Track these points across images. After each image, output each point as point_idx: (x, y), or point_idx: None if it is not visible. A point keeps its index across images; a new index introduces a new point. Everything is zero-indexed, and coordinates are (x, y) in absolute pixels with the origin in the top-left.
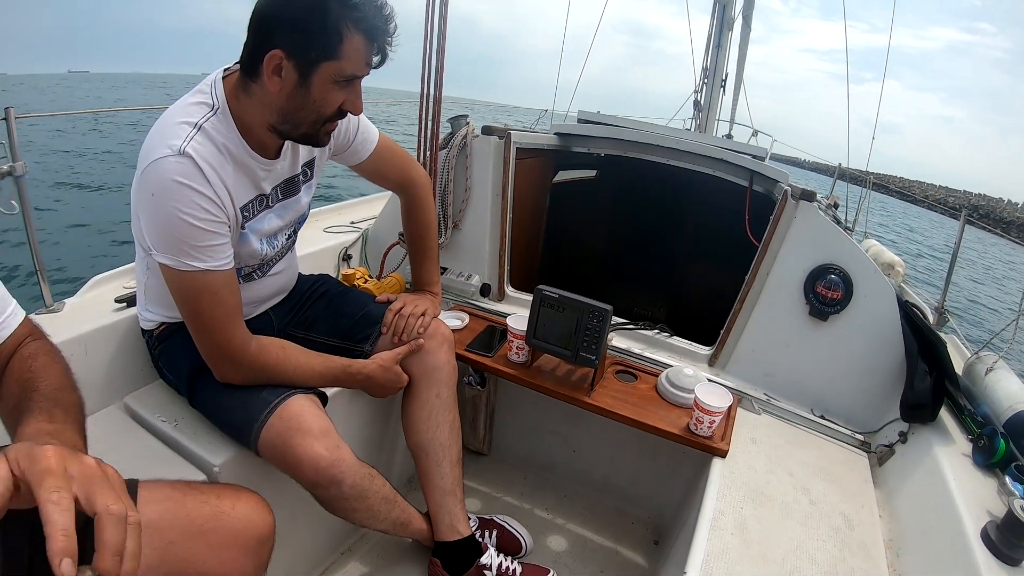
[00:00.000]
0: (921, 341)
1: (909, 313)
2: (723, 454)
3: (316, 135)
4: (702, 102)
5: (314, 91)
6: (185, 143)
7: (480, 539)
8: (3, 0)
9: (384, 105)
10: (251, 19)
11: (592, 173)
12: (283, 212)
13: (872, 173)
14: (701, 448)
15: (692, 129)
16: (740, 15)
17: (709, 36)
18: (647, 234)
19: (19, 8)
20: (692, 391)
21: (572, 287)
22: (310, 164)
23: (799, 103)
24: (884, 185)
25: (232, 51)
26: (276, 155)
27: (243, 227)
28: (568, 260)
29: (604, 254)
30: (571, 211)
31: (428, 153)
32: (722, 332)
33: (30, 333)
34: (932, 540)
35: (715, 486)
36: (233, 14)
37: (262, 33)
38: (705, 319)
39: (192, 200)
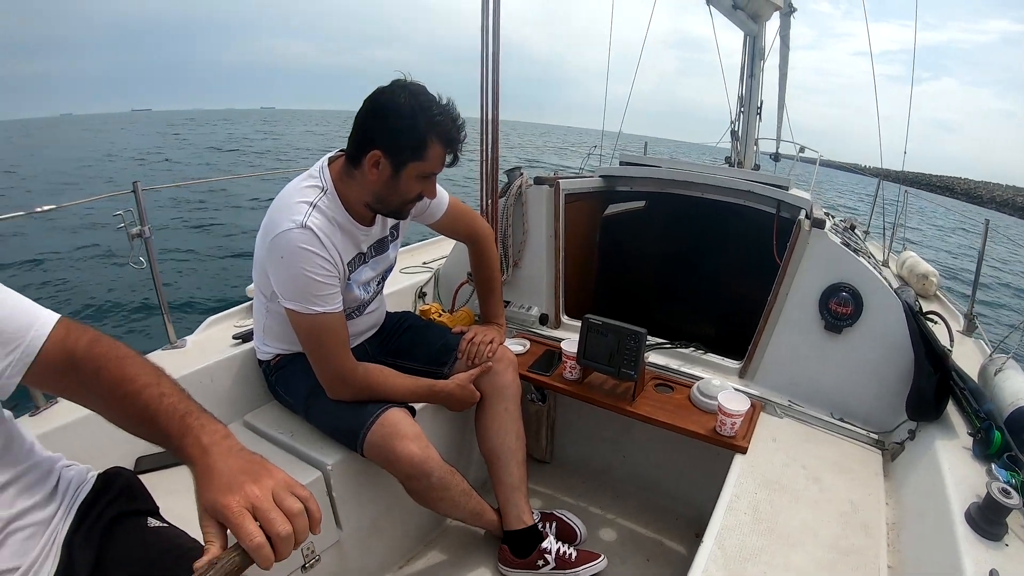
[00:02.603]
0: (927, 347)
1: (918, 322)
2: (743, 450)
3: (400, 212)
4: (739, 132)
5: (402, 183)
6: (305, 218)
7: (542, 529)
8: (68, 43)
9: None
10: (359, 120)
11: (640, 204)
12: (376, 265)
13: (935, 176)
14: (725, 446)
15: (732, 155)
16: (778, 34)
17: (742, 67)
18: (693, 257)
19: (83, 50)
20: (717, 398)
21: (625, 310)
22: (396, 227)
23: (855, 108)
24: (949, 187)
25: (287, 85)
26: (371, 223)
27: (348, 279)
28: (621, 285)
29: (654, 278)
30: (622, 240)
31: (489, 202)
32: (749, 347)
33: (71, 333)
34: (926, 521)
35: (734, 475)
36: (288, 49)
37: (368, 135)
38: (748, 334)
39: (314, 261)
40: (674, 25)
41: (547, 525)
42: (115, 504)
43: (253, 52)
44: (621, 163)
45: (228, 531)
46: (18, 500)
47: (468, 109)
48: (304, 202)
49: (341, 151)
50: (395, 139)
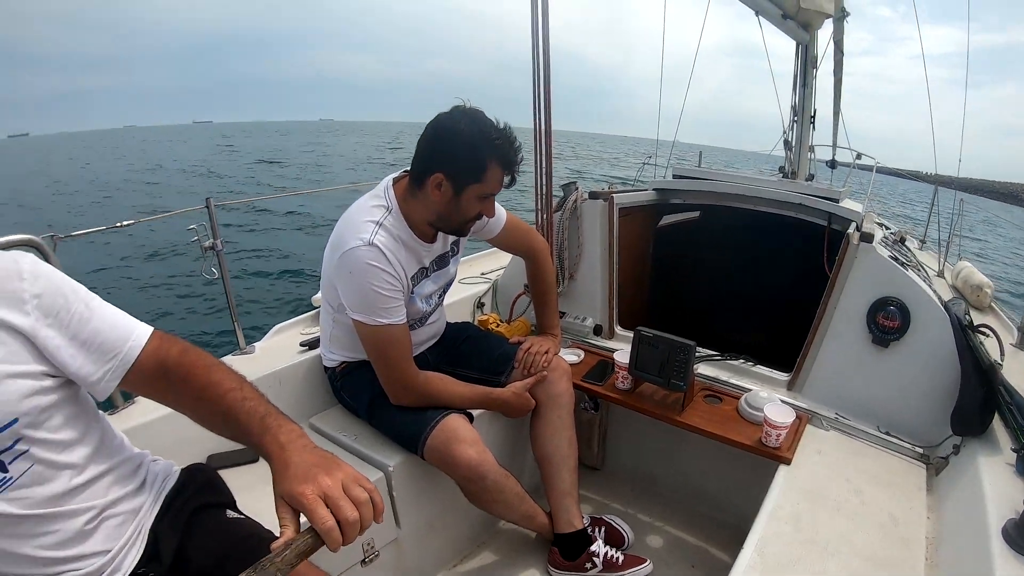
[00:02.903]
0: (974, 361)
1: (965, 335)
2: (787, 461)
3: (461, 230)
4: (792, 141)
5: (463, 203)
6: (372, 236)
7: (591, 532)
8: (135, 58)
9: None
10: (422, 144)
11: (695, 214)
12: (437, 279)
13: (998, 182)
14: (769, 457)
15: (786, 165)
16: (831, 40)
17: (794, 76)
18: (747, 268)
19: (149, 64)
20: (763, 410)
21: (678, 320)
22: (457, 243)
23: (917, 113)
24: (1015, 195)
25: (346, 96)
26: (433, 240)
27: (412, 292)
28: (675, 295)
29: (708, 288)
30: (677, 250)
31: (544, 216)
32: (798, 359)
33: (162, 343)
34: (963, 536)
35: (778, 486)
36: (347, 61)
37: (431, 158)
38: (799, 347)
39: (380, 276)
40: (731, 32)
41: (596, 529)
42: (197, 496)
43: (314, 65)
44: (674, 176)
45: (301, 517)
46: (111, 490)
47: (521, 118)
48: (371, 221)
49: (405, 172)
50: (456, 163)
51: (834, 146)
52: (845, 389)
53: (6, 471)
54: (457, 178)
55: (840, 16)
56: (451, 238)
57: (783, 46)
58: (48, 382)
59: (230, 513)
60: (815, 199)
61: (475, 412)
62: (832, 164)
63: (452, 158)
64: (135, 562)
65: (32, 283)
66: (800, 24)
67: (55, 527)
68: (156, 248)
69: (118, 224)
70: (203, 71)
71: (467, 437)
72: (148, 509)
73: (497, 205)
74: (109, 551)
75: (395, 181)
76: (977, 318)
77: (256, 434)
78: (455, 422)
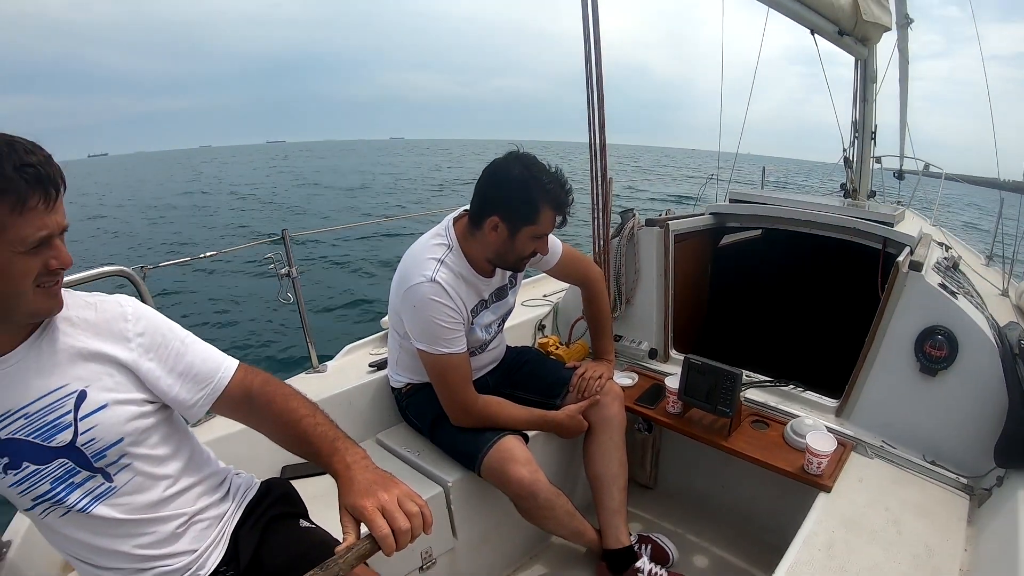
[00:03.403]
0: (1021, 391)
1: (1016, 363)
2: (828, 489)
3: (517, 267)
4: (852, 158)
5: (518, 243)
6: (434, 274)
7: (637, 550)
8: (212, 79)
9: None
10: (479, 187)
11: (758, 232)
12: (497, 310)
13: None
14: (811, 483)
15: (847, 183)
16: (895, 49)
17: (854, 92)
18: (804, 291)
19: (226, 86)
20: (806, 437)
21: (734, 342)
22: (514, 276)
23: (989, 117)
24: None
25: (417, 115)
26: (491, 275)
27: (472, 323)
28: (732, 317)
29: (766, 310)
30: (737, 271)
31: (602, 243)
32: (847, 387)
33: (247, 375)
34: (995, 571)
35: (816, 513)
36: (415, 80)
37: (487, 202)
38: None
39: (442, 311)
40: (796, 41)
41: (643, 547)
42: (275, 507)
43: (385, 85)
44: (730, 200)
45: (361, 526)
46: (200, 499)
47: (580, 133)
48: (433, 258)
49: (464, 210)
50: (511, 206)
51: (901, 156)
52: (892, 417)
53: (112, 481)
54: (512, 221)
55: (904, 23)
56: (508, 272)
57: (846, 55)
58: (148, 407)
59: (303, 523)
60: (869, 223)
61: (531, 433)
62: (899, 175)
63: (506, 202)
64: (217, 561)
65: (135, 324)
66: (857, 39)
67: (151, 529)
68: (237, 272)
69: (201, 256)
70: (275, 93)
71: (521, 457)
72: (231, 516)
73: (552, 237)
74: (196, 551)
75: (455, 220)
76: None
77: (326, 455)
78: (510, 443)
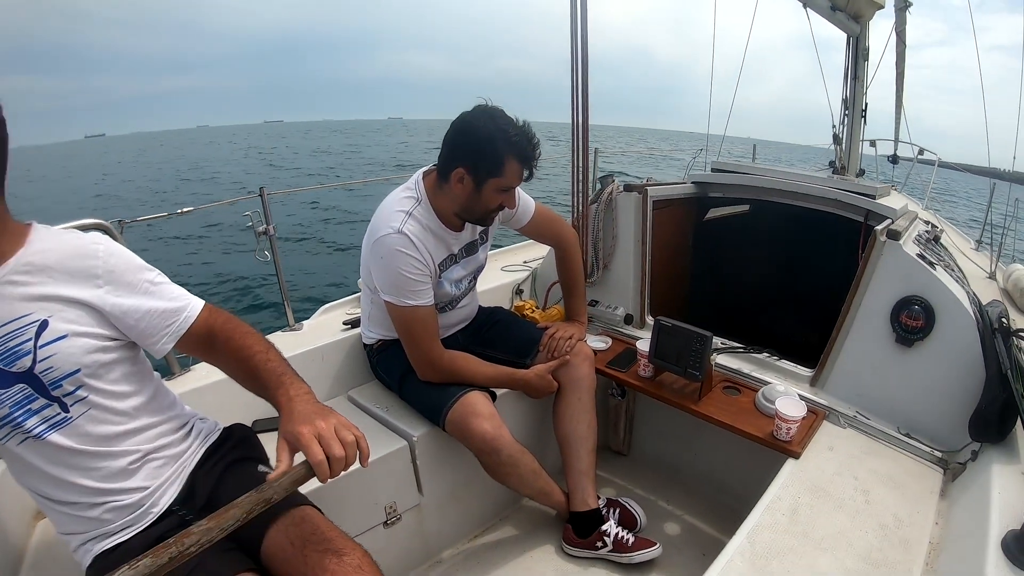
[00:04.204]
0: (997, 365)
1: (994, 339)
2: (796, 455)
3: (484, 220)
4: (841, 136)
5: (484, 195)
6: (401, 225)
7: (605, 513)
8: (204, 61)
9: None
10: (446, 140)
11: (745, 207)
12: (467, 265)
13: None
14: (779, 449)
15: (836, 160)
16: (893, 31)
17: (845, 68)
18: (789, 263)
19: (221, 66)
20: (775, 403)
21: (717, 313)
22: (485, 232)
23: (993, 107)
24: None
25: (411, 96)
26: (461, 228)
27: (440, 276)
28: (716, 288)
29: (750, 282)
30: (722, 244)
31: (581, 208)
32: (822, 356)
33: (211, 314)
34: (964, 543)
35: (782, 478)
36: (416, 61)
37: (454, 154)
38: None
39: (408, 262)
40: (801, 26)
41: (611, 511)
42: (234, 451)
43: (383, 65)
44: (713, 170)
45: (294, 455)
46: (158, 439)
47: (600, 114)
48: (401, 211)
49: (434, 165)
50: (476, 158)
51: (896, 140)
52: (866, 387)
53: (68, 412)
54: (477, 172)
55: (902, 6)
56: (479, 227)
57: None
58: (110, 343)
59: (261, 467)
60: (851, 195)
61: (499, 392)
62: (894, 159)
63: (472, 154)
64: (171, 500)
65: (106, 260)
66: (850, 16)
67: (103, 463)
68: (214, 231)
69: (179, 211)
70: (274, 72)
71: (484, 412)
72: (190, 457)
73: (526, 196)
74: (148, 488)
75: (425, 174)
76: None
77: (272, 388)
78: (475, 398)
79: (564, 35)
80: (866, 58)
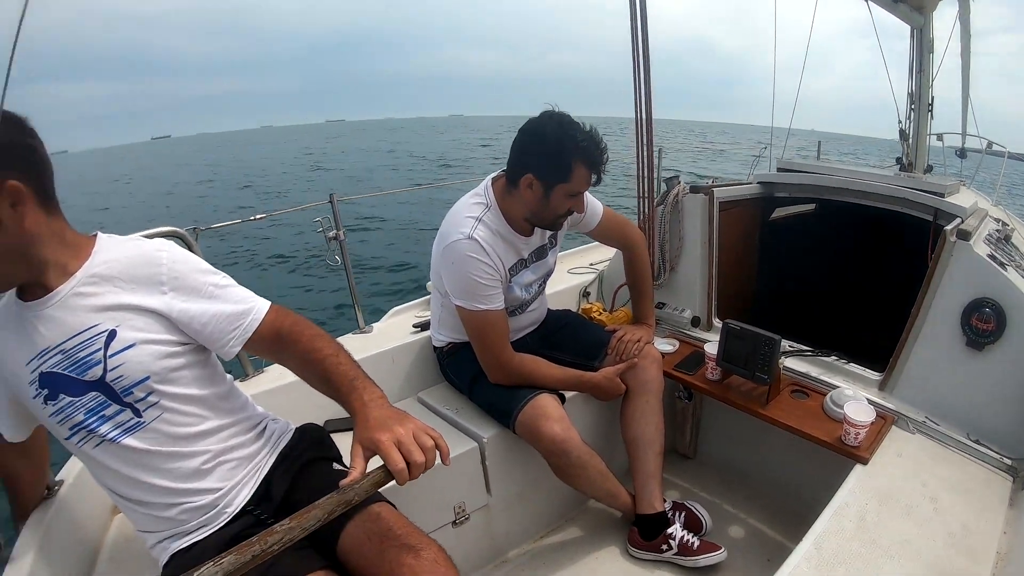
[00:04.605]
0: None
1: None
2: (864, 461)
3: (553, 225)
4: (908, 131)
5: (552, 201)
6: (472, 231)
7: (671, 516)
8: (267, 62)
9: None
10: (515, 146)
11: (811, 206)
12: (536, 269)
13: None
14: (847, 455)
15: (903, 156)
16: (957, 20)
17: (910, 62)
18: (858, 264)
19: (281, 67)
20: (844, 407)
21: (783, 314)
22: (554, 236)
23: None
24: None
25: (476, 92)
26: (530, 233)
27: (510, 281)
28: (782, 289)
29: (817, 282)
30: (789, 243)
31: (647, 210)
32: (891, 360)
33: (278, 315)
34: None
35: (849, 484)
36: (470, 57)
37: (522, 160)
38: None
39: (479, 267)
40: (865, 13)
41: (677, 514)
42: (308, 451)
43: (443, 63)
44: (779, 169)
45: (369, 460)
46: (230, 440)
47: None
48: (471, 217)
49: (503, 172)
50: (545, 164)
51: (963, 134)
52: (936, 392)
53: (140, 416)
54: (546, 178)
55: None
56: (548, 232)
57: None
58: (178, 348)
59: (336, 465)
60: (919, 193)
61: (568, 394)
62: (961, 153)
63: (541, 160)
64: (245, 500)
65: (170, 267)
66: (913, 7)
67: (176, 464)
68: (287, 236)
69: (252, 218)
70: (335, 72)
71: (554, 414)
72: (265, 459)
73: (593, 200)
74: (221, 489)
75: (494, 180)
76: None
77: (345, 393)
78: (545, 400)
79: (618, 27)
80: (931, 50)
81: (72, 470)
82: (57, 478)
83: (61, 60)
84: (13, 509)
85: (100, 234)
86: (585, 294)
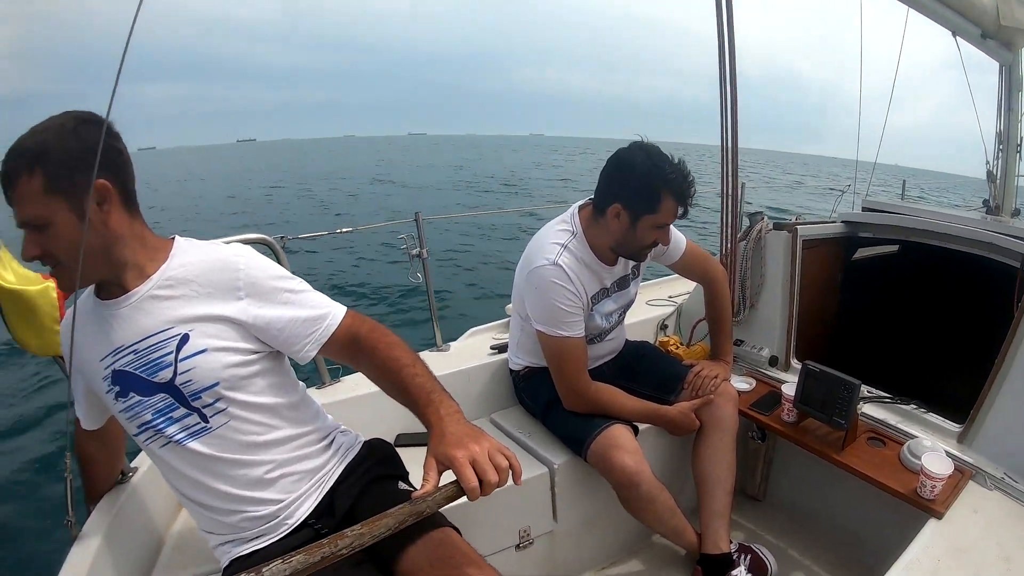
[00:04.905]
0: None
1: None
2: (939, 515)
3: (638, 256)
4: (995, 172)
5: (639, 232)
6: (557, 257)
7: (736, 557)
8: (351, 73)
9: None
10: (603, 175)
11: (894, 248)
12: (618, 299)
13: None
14: (921, 508)
15: (990, 199)
16: None
17: (998, 101)
18: (941, 308)
19: (366, 79)
20: (921, 458)
21: (868, 359)
22: (637, 267)
23: None
24: None
25: (558, 112)
26: (614, 263)
27: (592, 309)
28: (862, 331)
29: (898, 326)
30: (870, 285)
31: (729, 245)
32: (972, 411)
33: (355, 321)
34: None
35: (923, 539)
36: (552, 76)
37: (610, 190)
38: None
39: (562, 294)
40: (952, 47)
41: (742, 556)
42: (376, 468)
43: (514, 81)
44: (864, 208)
45: (442, 473)
46: (296, 451)
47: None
48: (557, 243)
49: (590, 199)
50: (633, 195)
51: None
52: (1017, 447)
53: (207, 421)
54: (633, 209)
55: None
56: (631, 262)
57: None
58: (251, 356)
59: (401, 484)
60: (1007, 238)
61: (641, 426)
62: (1017, 214)
63: (628, 190)
64: (307, 513)
65: (247, 272)
66: (1001, 43)
67: (240, 471)
68: (370, 249)
69: (339, 231)
70: (418, 86)
71: (628, 446)
72: (330, 472)
73: (677, 232)
74: (283, 500)
75: (580, 208)
76: None
77: (422, 405)
78: (619, 431)
79: (704, 55)
80: (1020, 88)
81: (146, 460)
82: (132, 465)
83: (155, 62)
84: (86, 491)
85: (178, 238)
86: (663, 326)
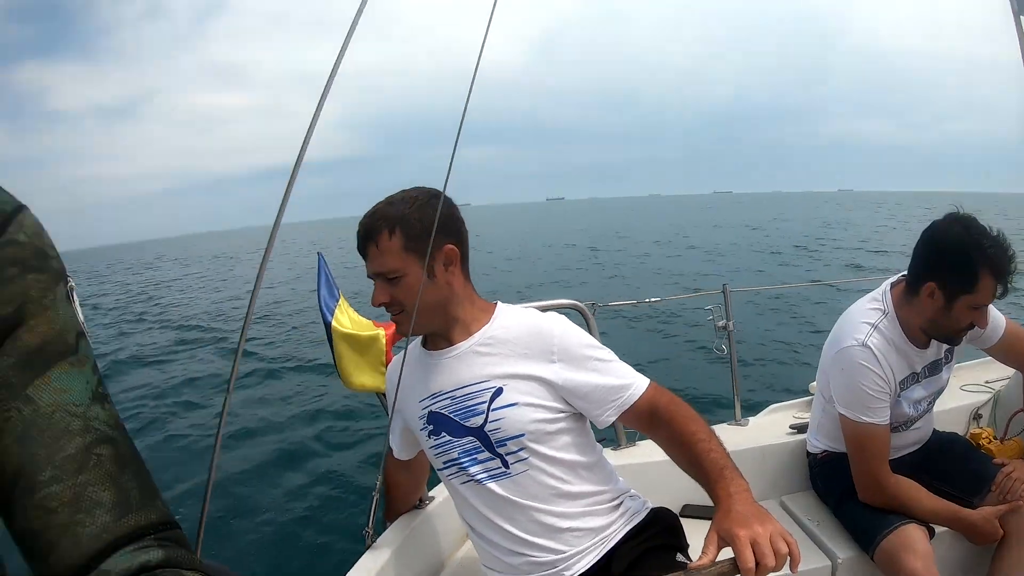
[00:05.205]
0: None
1: None
2: None
3: (952, 339)
4: None
5: (954, 313)
6: (867, 338)
7: None
8: (655, 134)
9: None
10: (917, 251)
11: None
12: (928, 386)
13: None
14: None
15: None
16: None
17: None
18: None
19: (670, 138)
20: None
21: None
22: (951, 350)
23: None
24: None
25: (864, 165)
26: (926, 345)
27: (899, 395)
28: None
29: None
30: None
31: None
32: None
33: (656, 393)
34: None
35: None
36: (861, 128)
37: (924, 267)
38: None
39: (869, 377)
40: None
41: None
42: (659, 536)
43: (828, 134)
44: None
45: (721, 549)
46: (586, 508)
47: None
48: (867, 323)
49: (903, 276)
50: (949, 273)
51: None
52: None
53: (508, 468)
54: (949, 288)
55: None
56: (944, 345)
57: None
58: (557, 415)
59: (679, 557)
60: None
61: (938, 529)
62: None
63: (944, 268)
64: (584, 569)
65: (561, 339)
66: None
67: (530, 517)
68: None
69: (647, 300)
70: (721, 144)
71: (921, 550)
72: (615, 532)
73: (996, 312)
74: (565, 552)
75: (893, 285)
76: None
77: (713, 480)
78: (913, 532)
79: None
80: None
81: (442, 491)
82: (430, 494)
83: (476, 129)
84: (387, 509)
85: (499, 303)
86: (976, 416)
